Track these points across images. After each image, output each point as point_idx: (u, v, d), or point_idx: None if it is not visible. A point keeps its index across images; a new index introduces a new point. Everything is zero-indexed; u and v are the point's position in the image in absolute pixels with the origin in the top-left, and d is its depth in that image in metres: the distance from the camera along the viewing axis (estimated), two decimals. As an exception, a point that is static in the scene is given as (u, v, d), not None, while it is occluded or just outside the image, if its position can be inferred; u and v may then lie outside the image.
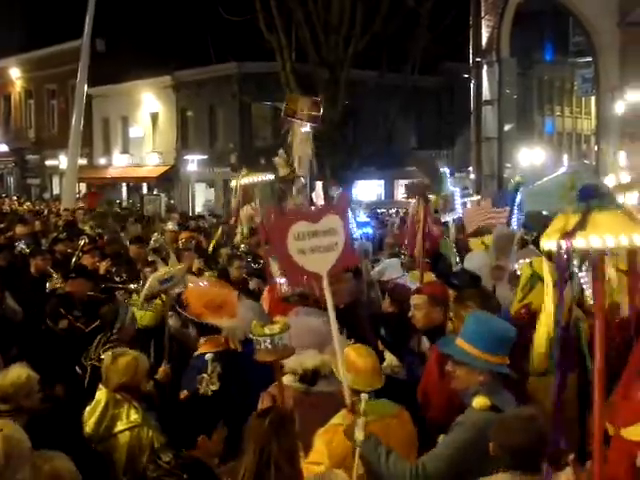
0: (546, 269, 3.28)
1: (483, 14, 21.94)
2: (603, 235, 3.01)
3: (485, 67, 22.26)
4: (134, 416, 4.90)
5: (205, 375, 5.62)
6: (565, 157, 48.05)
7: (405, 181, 42.74)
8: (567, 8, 24.76)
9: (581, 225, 3.07)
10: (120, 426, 4.88)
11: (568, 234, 3.07)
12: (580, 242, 3.04)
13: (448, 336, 5.22)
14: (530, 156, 40.16)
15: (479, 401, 4.32)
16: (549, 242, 3.19)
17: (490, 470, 3.87)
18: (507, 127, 22.94)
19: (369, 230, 14.71)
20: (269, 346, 4.78)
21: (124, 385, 5.01)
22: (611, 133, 24.72)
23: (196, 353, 5.98)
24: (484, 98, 22.49)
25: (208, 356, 5.69)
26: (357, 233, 13.09)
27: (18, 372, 4.82)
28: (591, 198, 3.18)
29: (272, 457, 3.83)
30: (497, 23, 21.94)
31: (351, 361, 4.82)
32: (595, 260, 3.16)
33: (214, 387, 5.44)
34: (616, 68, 23.80)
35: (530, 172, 33.19)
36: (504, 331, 4.58)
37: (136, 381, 5.05)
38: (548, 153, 44.57)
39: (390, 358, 6.25)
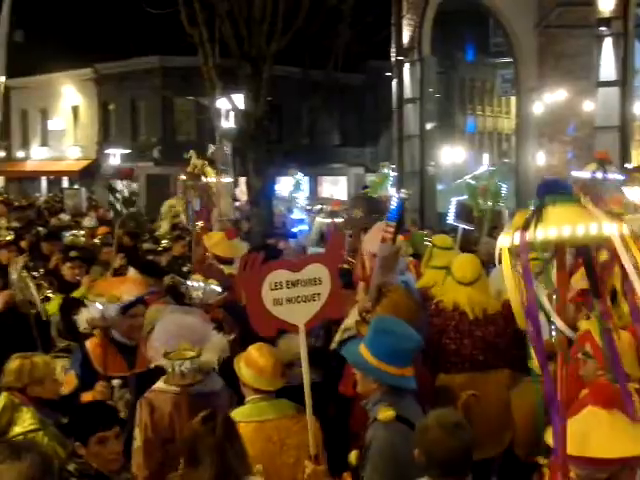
0: (506, 262, 3.26)
1: (404, 13, 22.13)
2: (559, 226, 2.96)
3: (407, 65, 22.47)
4: (29, 421, 4.77)
5: (111, 402, 5.45)
6: (486, 156, 48.93)
7: (329, 177, 43.05)
8: (487, 9, 25.17)
9: (536, 219, 3.01)
10: (16, 430, 4.74)
11: (524, 228, 3.02)
12: (539, 234, 2.99)
13: (357, 339, 5.08)
14: (452, 154, 40.83)
15: (384, 413, 4.17)
16: (504, 238, 3.13)
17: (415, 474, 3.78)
18: (429, 125, 23.18)
19: (306, 227, 14.61)
20: (185, 370, 4.79)
21: (9, 387, 4.92)
22: (530, 133, 25.20)
23: None
24: (406, 96, 22.69)
25: (115, 382, 5.56)
26: (295, 229, 13.13)
27: None
28: (547, 193, 3.11)
29: (231, 464, 3.72)
30: (418, 22, 22.13)
31: (253, 360, 4.78)
32: (557, 250, 3.13)
33: (121, 415, 5.18)
34: (534, 69, 24.27)
35: (451, 170, 33.74)
36: (404, 341, 4.39)
37: (21, 384, 4.92)
38: (469, 152, 45.37)
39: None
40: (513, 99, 33.75)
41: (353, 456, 4.33)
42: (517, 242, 3.04)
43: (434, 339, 6.04)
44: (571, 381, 3.35)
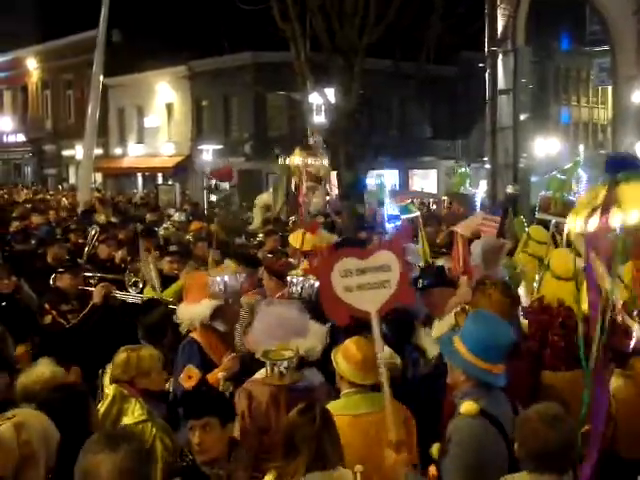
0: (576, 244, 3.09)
1: (499, 2, 21.79)
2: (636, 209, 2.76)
3: (500, 56, 22.10)
4: (138, 412, 4.89)
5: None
6: (581, 147, 47.75)
7: (419, 171, 42.74)
8: (584, -4, 24.63)
9: (609, 199, 2.84)
10: (125, 421, 4.87)
11: (600, 210, 2.84)
12: (615, 220, 2.82)
13: (455, 330, 5.05)
14: (546, 146, 39.97)
15: (467, 407, 4.14)
16: (577, 220, 2.97)
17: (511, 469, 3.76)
18: (522, 117, 22.75)
19: (398, 223, 14.51)
20: (283, 370, 4.92)
21: (117, 379, 5.04)
22: (628, 123, 24.49)
23: None
24: (499, 87, 22.33)
25: (221, 375, 5.63)
26: (389, 226, 13.07)
27: (42, 369, 4.94)
28: (618, 169, 2.93)
29: (326, 452, 3.85)
30: (513, 12, 21.72)
31: (351, 353, 4.79)
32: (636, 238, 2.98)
33: None
34: (633, 57, 23.57)
35: (545, 162, 33.05)
36: (497, 337, 4.34)
37: (128, 377, 5.03)
38: (564, 143, 44.34)
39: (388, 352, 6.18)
40: (609, 88, 32.83)
41: (435, 449, 4.30)
42: (592, 227, 2.87)
43: (538, 336, 5.90)
44: None
